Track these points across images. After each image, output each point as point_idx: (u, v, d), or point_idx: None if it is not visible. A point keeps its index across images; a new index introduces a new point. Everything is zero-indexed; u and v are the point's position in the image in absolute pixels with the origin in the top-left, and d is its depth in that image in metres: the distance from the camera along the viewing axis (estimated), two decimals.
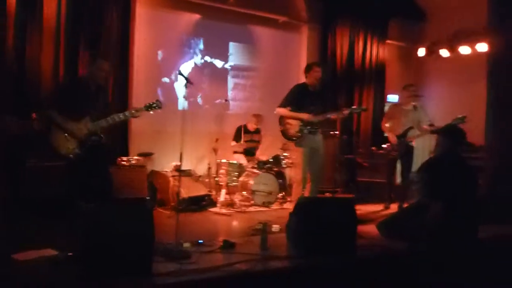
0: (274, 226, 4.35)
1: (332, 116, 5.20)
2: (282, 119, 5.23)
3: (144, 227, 2.83)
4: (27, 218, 4.34)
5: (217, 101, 6.44)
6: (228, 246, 3.57)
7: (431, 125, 5.64)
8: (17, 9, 5.17)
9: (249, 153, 6.71)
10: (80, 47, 5.71)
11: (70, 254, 3.01)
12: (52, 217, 4.33)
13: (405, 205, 5.86)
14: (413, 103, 5.97)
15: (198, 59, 7.10)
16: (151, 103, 4.27)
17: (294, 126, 5.13)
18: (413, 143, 5.88)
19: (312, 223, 3.51)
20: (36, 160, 4.72)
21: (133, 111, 4.21)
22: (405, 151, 5.83)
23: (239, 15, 7.27)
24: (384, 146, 6.06)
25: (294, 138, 5.17)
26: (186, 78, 3.77)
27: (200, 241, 3.66)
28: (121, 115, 4.12)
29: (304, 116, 5.03)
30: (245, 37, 7.54)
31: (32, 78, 5.35)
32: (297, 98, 5.12)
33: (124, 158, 5.55)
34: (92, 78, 4.02)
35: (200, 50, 7.15)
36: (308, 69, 5.24)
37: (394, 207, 5.96)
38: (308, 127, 5.09)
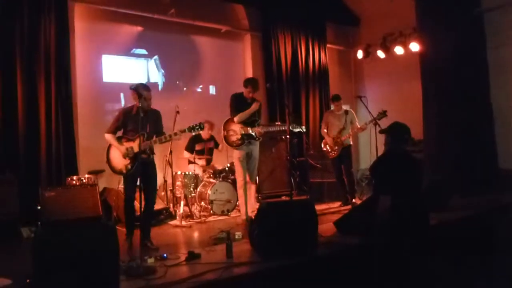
0: (236, 233, 4.39)
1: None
2: (226, 125, 5.39)
3: (108, 246, 2.76)
4: None
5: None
6: (193, 257, 3.56)
7: (374, 123, 6.04)
8: None
9: (206, 161, 6.69)
10: (16, 64, 5.46)
11: (28, 281, 2.87)
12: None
13: (354, 200, 6.25)
14: (344, 108, 6.60)
15: (144, 71, 7.02)
16: (194, 125, 4.42)
17: (236, 134, 5.30)
18: (350, 142, 6.47)
19: (274, 227, 3.59)
20: None
21: (177, 133, 4.38)
22: (343, 151, 6.36)
23: (181, 26, 7.27)
24: (323, 149, 6.52)
25: (234, 145, 5.34)
26: (139, 93, 3.74)
27: (164, 255, 3.62)
28: (167, 136, 4.37)
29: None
30: (189, 47, 7.54)
31: None
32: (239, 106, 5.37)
33: (74, 177, 5.34)
34: (142, 108, 4.24)
35: (145, 62, 7.08)
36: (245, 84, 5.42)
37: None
38: (251, 137, 5.34)
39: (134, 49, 7.01)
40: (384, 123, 5.39)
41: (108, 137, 4.43)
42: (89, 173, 5.64)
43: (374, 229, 3.72)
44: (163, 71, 7.31)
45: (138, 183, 4.27)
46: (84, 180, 5.30)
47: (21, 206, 4.98)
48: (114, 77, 6.77)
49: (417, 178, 3.78)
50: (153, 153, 4.50)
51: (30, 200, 5.00)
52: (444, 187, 5.33)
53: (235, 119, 5.34)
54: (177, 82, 7.44)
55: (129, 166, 4.35)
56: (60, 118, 5.74)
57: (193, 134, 4.61)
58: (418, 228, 3.48)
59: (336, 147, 6.34)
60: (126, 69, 6.90)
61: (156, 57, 7.22)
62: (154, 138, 4.37)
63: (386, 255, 3.48)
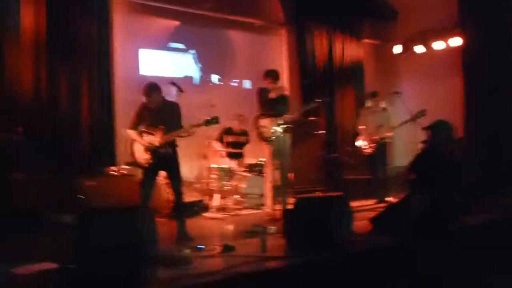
0: (270, 227, 4.41)
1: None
2: (255, 122, 5.40)
3: (146, 234, 2.83)
4: (18, 231, 4.30)
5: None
6: (228, 249, 3.61)
7: (409, 118, 5.91)
8: None
9: (235, 155, 6.74)
10: (60, 58, 5.66)
11: (70, 266, 2.99)
12: (41, 230, 4.40)
13: (387, 198, 6.12)
14: (382, 105, 6.44)
15: (182, 66, 7.13)
16: (210, 119, 4.45)
17: (268, 129, 5.28)
18: (387, 140, 6.32)
19: (309, 222, 3.59)
20: (24, 173, 4.68)
21: (192, 126, 4.43)
22: (379, 148, 6.25)
23: (217, 20, 7.32)
24: (357, 145, 6.40)
25: (268, 140, 5.31)
26: (179, 88, 3.82)
27: (199, 246, 3.69)
28: (182, 131, 4.44)
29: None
30: (224, 41, 7.58)
31: (12, 91, 5.28)
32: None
33: (113, 168, 5.51)
34: (150, 104, 4.47)
35: (183, 57, 7.18)
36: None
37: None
38: (282, 127, 5.24)
39: (171, 43, 7.11)
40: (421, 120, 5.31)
41: (130, 132, 4.53)
42: (127, 164, 5.78)
43: (408, 228, 3.66)
44: (200, 65, 7.39)
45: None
46: (123, 171, 5.46)
47: (63, 194, 5.16)
48: (151, 71, 6.89)
49: (455, 178, 3.69)
50: (175, 145, 4.52)
51: (72, 188, 5.19)
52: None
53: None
54: (210, 76, 7.49)
55: (150, 160, 4.42)
56: (100, 110, 5.91)
57: (209, 126, 4.54)
58: (450, 228, 3.39)
59: (373, 144, 6.22)
60: (163, 63, 7.01)
61: (193, 51, 7.30)
62: (170, 133, 4.39)
63: (417, 255, 3.42)
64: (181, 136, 4.49)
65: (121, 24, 6.50)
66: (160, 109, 4.49)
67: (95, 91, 5.93)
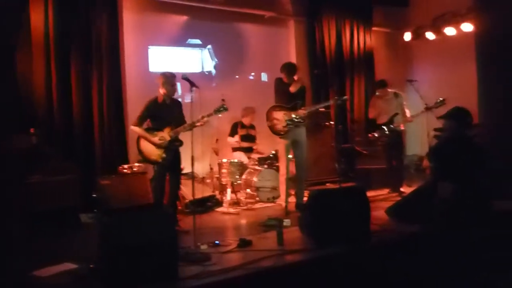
0: (284, 220, 4.37)
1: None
2: (269, 114, 5.32)
3: (166, 233, 2.82)
4: (36, 233, 4.32)
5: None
6: (245, 244, 3.58)
7: (426, 109, 5.78)
8: None
9: (247, 149, 6.71)
10: (71, 57, 5.66)
11: (91, 266, 2.99)
12: (60, 230, 4.45)
13: (402, 188, 6.04)
14: (393, 91, 6.25)
15: (190, 61, 7.08)
16: (219, 107, 4.48)
17: (281, 122, 5.23)
18: (402, 127, 6.12)
19: (326, 214, 3.54)
20: (40, 175, 4.70)
21: (205, 116, 4.44)
22: (395, 137, 6.05)
23: (226, 14, 7.26)
24: (374, 134, 6.18)
25: (281, 133, 5.26)
26: (191, 83, 3.79)
27: (216, 242, 3.67)
28: (195, 122, 4.40)
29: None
30: (234, 35, 7.52)
31: (25, 92, 5.29)
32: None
33: (125, 166, 5.51)
34: (168, 95, 4.50)
35: (190, 51, 7.14)
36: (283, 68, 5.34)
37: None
38: (295, 121, 5.20)
39: (185, 39, 7.05)
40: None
41: (136, 129, 4.51)
42: (139, 161, 5.78)
43: (434, 216, 3.59)
44: (216, 60, 7.36)
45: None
46: (134, 169, 5.45)
47: (79, 193, 5.17)
48: (163, 67, 6.83)
49: (480, 164, 3.61)
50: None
51: (87, 187, 5.21)
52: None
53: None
54: (216, 69, 7.45)
55: (164, 155, 4.43)
56: (111, 108, 5.91)
57: (219, 115, 4.58)
58: (481, 216, 3.32)
59: (388, 132, 6.04)
60: (174, 59, 6.95)
61: (209, 46, 7.28)
62: (185, 124, 4.45)
63: (447, 243, 3.35)
64: (193, 128, 4.43)
65: (131, 21, 6.47)
66: (171, 103, 4.55)
67: (105, 89, 5.92)
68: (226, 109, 4.52)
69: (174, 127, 4.47)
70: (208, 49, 7.30)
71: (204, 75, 7.27)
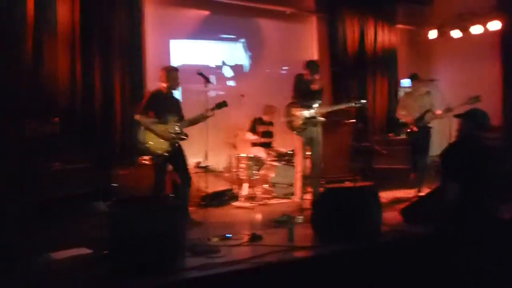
0: (298, 217, 4.41)
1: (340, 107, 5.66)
2: (287, 110, 5.35)
3: (173, 224, 2.90)
4: (54, 218, 4.52)
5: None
6: (255, 238, 3.64)
7: (448, 108, 5.66)
8: (35, 17, 5.30)
9: (266, 144, 6.75)
10: (94, 51, 5.82)
11: (105, 252, 3.10)
12: (77, 217, 4.62)
13: (424, 188, 5.95)
14: (426, 89, 6.08)
15: (210, 56, 7.17)
16: (220, 103, 4.53)
17: (298, 119, 5.25)
18: (431, 125, 5.99)
19: (336, 212, 3.56)
20: (60, 163, 4.87)
21: (208, 111, 4.47)
22: (424, 134, 5.92)
23: (247, 10, 7.29)
24: (407, 131, 6.05)
25: (298, 130, 5.28)
26: (206, 78, 3.84)
27: (228, 235, 3.73)
28: (200, 116, 4.49)
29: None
30: (254, 31, 7.56)
31: (50, 84, 5.48)
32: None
33: (145, 157, 5.63)
34: (171, 88, 4.52)
35: (210, 46, 7.22)
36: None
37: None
38: (312, 119, 5.22)
39: (206, 34, 7.12)
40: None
41: (141, 118, 4.37)
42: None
43: (442, 217, 3.56)
44: (250, 54, 7.47)
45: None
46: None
47: (97, 182, 5.34)
48: (184, 61, 6.94)
49: (490, 168, 3.54)
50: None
51: (105, 176, 5.36)
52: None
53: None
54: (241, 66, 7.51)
55: (169, 148, 4.40)
56: (132, 100, 6.03)
57: (221, 107, 4.57)
58: (487, 220, 3.27)
59: (415, 130, 5.90)
60: (196, 52, 7.03)
61: (243, 40, 7.40)
62: (190, 118, 4.49)
63: (455, 244, 3.32)
64: (198, 122, 4.52)
65: (153, 15, 6.58)
66: (172, 96, 4.56)
67: (127, 81, 6.06)
68: (226, 105, 4.53)
69: (178, 121, 4.47)
70: (242, 42, 7.37)
71: (239, 68, 7.40)
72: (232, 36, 7.36)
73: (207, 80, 3.86)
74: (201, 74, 3.94)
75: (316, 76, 5.28)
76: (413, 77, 6.16)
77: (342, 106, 6.05)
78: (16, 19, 5.09)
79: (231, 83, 7.32)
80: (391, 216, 4.37)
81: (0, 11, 5.00)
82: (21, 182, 4.48)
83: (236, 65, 7.43)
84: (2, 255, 3.22)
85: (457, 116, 3.78)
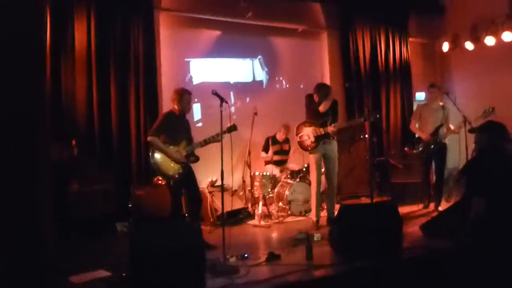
0: (315, 234, 4.35)
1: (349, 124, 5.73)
2: (298, 130, 5.38)
3: (193, 245, 2.89)
4: (74, 241, 4.54)
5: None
6: (273, 258, 3.61)
7: (462, 124, 5.62)
8: (51, 40, 5.41)
9: (279, 163, 6.74)
10: (110, 73, 5.91)
11: (124, 274, 3.10)
12: (96, 239, 4.65)
13: (441, 202, 5.85)
14: (441, 103, 6.05)
15: (222, 75, 7.24)
16: (231, 127, 4.55)
17: (310, 137, 5.26)
18: (446, 141, 5.92)
19: (355, 229, 3.51)
20: (78, 185, 4.92)
21: (219, 134, 4.42)
22: (438, 149, 5.87)
23: (258, 29, 7.36)
24: (419, 146, 5.98)
25: (309, 149, 5.29)
26: (221, 98, 3.87)
27: (245, 254, 3.70)
28: (210, 138, 4.54)
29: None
30: (266, 49, 7.62)
31: (68, 106, 5.58)
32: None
33: (160, 177, 5.65)
34: (183, 110, 4.60)
35: (227, 63, 7.29)
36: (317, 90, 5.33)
37: (432, 206, 5.98)
38: (323, 140, 5.23)
39: (219, 53, 7.19)
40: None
41: (154, 140, 4.38)
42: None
43: (464, 233, 3.49)
44: (267, 70, 7.56)
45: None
46: None
47: (115, 203, 5.35)
48: (199, 80, 7.01)
49: None
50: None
51: (123, 197, 5.39)
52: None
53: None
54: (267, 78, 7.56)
55: (181, 171, 4.40)
56: (147, 121, 6.09)
57: (231, 131, 4.52)
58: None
59: (432, 146, 5.86)
60: (210, 71, 7.11)
61: (260, 56, 7.51)
62: (200, 140, 4.53)
63: (477, 260, 3.23)
64: (208, 143, 4.55)
65: (167, 36, 6.69)
66: (183, 117, 4.62)
67: (142, 103, 6.12)
68: (236, 129, 4.53)
69: (189, 143, 4.52)
70: (259, 59, 7.47)
71: (258, 85, 7.52)
72: (248, 53, 7.45)
73: (222, 100, 3.88)
74: (216, 94, 3.96)
75: (325, 100, 5.27)
76: (432, 85, 6.14)
77: (356, 121, 6.05)
78: (36, 45, 5.20)
79: (247, 99, 7.38)
80: (411, 231, 4.30)
81: (19, 38, 5.11)
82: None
83: (254, 81, 7.49)
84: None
85: (471, 131, 3.73)
